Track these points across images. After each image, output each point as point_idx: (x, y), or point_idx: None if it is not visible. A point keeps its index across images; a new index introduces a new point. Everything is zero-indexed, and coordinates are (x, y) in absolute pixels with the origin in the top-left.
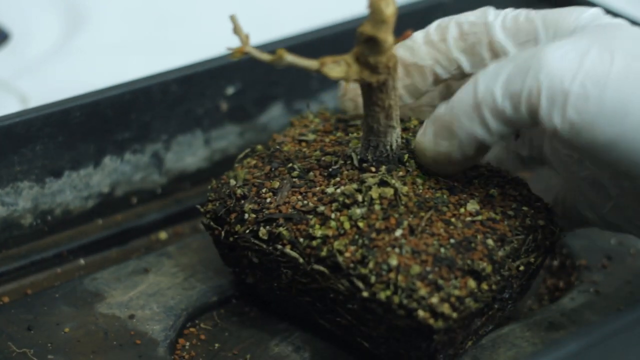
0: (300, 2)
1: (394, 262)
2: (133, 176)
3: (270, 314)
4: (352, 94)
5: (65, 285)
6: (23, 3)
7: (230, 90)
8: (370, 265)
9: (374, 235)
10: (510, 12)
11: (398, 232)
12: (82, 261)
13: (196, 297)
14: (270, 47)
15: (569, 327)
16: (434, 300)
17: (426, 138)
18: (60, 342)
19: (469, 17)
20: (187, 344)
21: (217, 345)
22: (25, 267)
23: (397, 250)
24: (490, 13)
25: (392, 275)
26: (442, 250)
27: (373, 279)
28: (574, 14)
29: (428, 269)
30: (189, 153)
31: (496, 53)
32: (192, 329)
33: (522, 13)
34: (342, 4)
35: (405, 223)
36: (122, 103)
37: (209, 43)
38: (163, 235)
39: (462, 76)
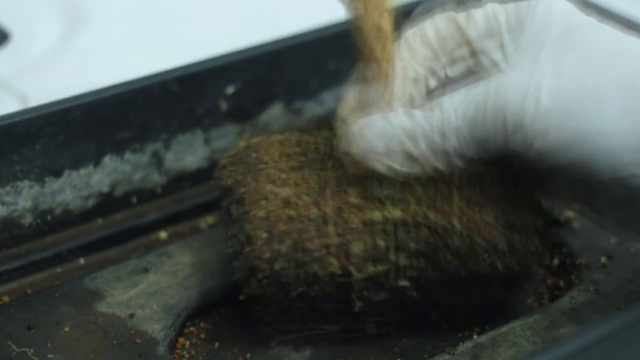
0: (300, 2)
1: None
2: (133, 175)
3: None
4: None
5: (65, 284)
6: (23, 3)
7: (230, 90)
8: None
9: None
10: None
11: None
12: (82, 260)
13: (196, 296)
14: (270, 47)
15: (569, 326)
16: None
17: (373, 153)
18: (60, 341)
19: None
20: (187, 343)
21: (217, 344)
22: (25, 267)
23: None
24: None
25: None
26: None
27: None
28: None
29: None
30: (188, 152)
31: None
32: (192, 328)
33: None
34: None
35: None
36: (122, 102)
37: (209, 43)
38: (163, 234)
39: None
